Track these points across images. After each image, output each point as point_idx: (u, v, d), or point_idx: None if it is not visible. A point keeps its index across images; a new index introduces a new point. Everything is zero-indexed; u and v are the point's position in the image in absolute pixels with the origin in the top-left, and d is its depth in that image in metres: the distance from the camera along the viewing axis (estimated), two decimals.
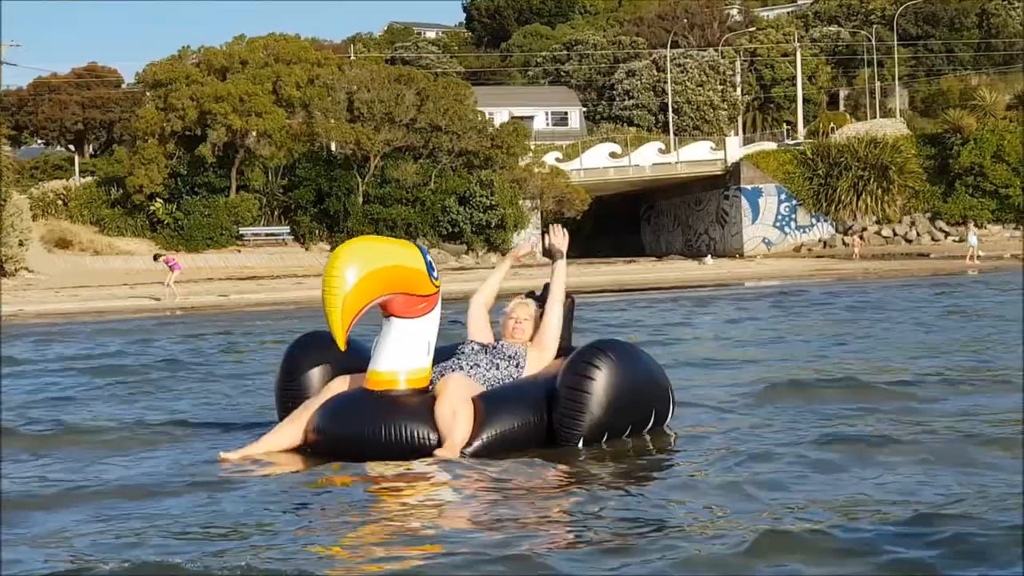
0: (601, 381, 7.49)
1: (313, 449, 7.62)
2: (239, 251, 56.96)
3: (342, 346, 7.22)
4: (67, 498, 6.70)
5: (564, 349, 8.25)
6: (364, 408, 7.44)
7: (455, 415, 7.32)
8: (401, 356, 7.44)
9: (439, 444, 7.32)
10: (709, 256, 61.84)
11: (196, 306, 39.54)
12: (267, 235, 58.41)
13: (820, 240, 66.05)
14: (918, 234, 64.73)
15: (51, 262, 51.57)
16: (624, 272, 54.48)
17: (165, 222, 57.02)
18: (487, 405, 7.53)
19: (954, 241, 62.95)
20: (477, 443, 7.39)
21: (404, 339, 7.42)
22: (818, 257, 61.38)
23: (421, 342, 7.45)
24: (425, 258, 7.42)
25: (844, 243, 63.29)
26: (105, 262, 52.70)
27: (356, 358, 7.84)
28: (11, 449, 8.48)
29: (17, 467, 7.86)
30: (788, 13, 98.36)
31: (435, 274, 7.41)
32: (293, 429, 7.78)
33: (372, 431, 7.36)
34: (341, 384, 7.79)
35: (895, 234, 64.92)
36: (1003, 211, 64.19)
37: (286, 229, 58.69)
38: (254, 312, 33.65)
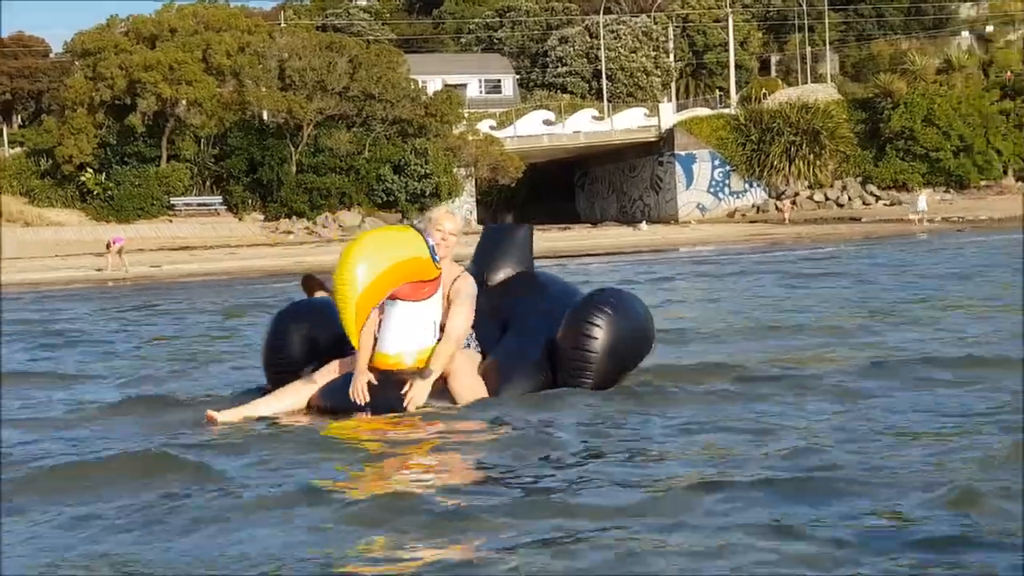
0: (604, 337, 7.80)
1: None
2: (171, 221, 56.44)
3: (356, 345, 7.37)
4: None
5: (525, 275, 8.57)
6: (375, 385, 7.52)
7: (475, 393, 7.58)
8: (409, 338, 7.56)
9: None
10: (644, 222, 62.08)
11: (128, 277, 39.27)
12: (199, 205, 57.90)
13: (753, 205, 66.42)
14: (849, 198, 65.21)
15: None
16: (559, 239, 54.51)
17: (95, 192, 56.40)
18: (500, 373, 7.80)
19: (885, 205, 63.52)
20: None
21: (410, 321, 7.54)
22: (752, 222, 61.76)
23: (427, 322, 7.56)
24: (427, 242, 7.46)
25: (777, 208, 63.67)
26: (36, 233, 52.09)
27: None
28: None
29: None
30: None
31: (436, 257, 7.45)
32: (294, 400, 7.80)
33: (383, 406, 7.49)
34: (339, 367, 7.79)
35: (827, 199, 65.38)
36: (933, 175, 64.77)
37: (218, 199, 58.21)
38: (203, 282, 33.41)
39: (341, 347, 7.78)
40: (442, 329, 7.64)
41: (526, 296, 8.40)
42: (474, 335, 8.00)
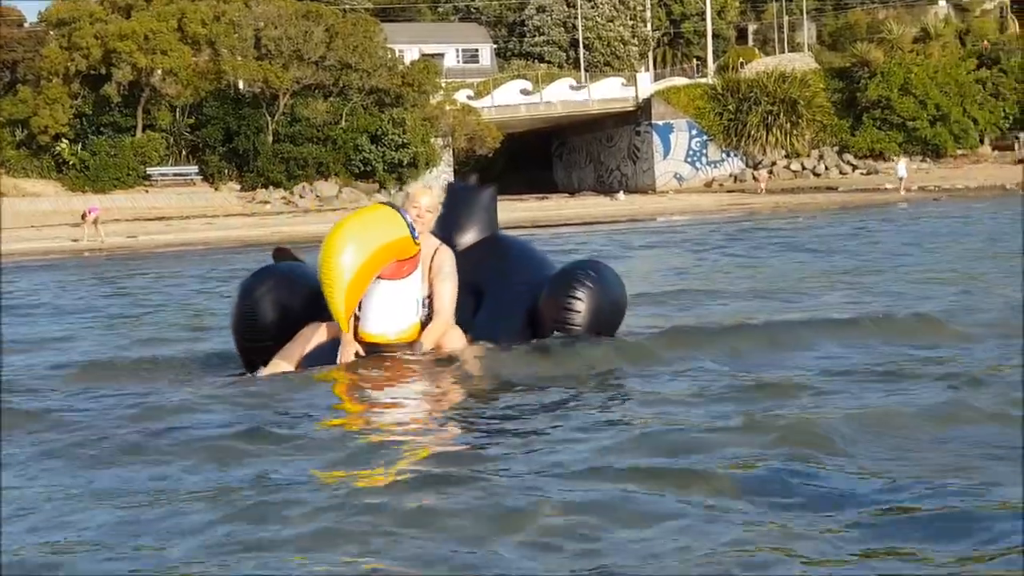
0: (585, 310, 7.90)
1: None
2: (147, 191, 56.24)
3: (346, 330, 7.36)
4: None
5: (492, 238, 8.61)
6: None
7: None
8: (391, 317, 7.53)
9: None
10: (621, 192, 62.12)
11: (104, 247, 39.15)
12: (175, 175, 57.69)
13: (731, 175, 66.45)
14: (826, 168, 65.30)
15: None
16: (537, 209, 54.56)
17: (71, 163, 56.16)
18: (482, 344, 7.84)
19: (862, 174, 63.64)
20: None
21: (391, 300, 7.50)
22: (729, 192, 61.84)
23: (408, 300, 7.54)
24: (406, 219, 7.43)
25: (754, 178, 63.73)
26: (11, 204, 51.81)
27: (315, 288, 7.80)
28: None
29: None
30: None
31: (415, 234, 7.44)
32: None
33: None
34: (318, 333, 7.73)
35: (804, 168, 65.46)
36: (910, 144, 64.88)
37: (194, 169, 58.01)
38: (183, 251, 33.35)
39: (312, 312, 7.74)
40: (424, 305, 7.65)
41: (497, 264, 8.38)
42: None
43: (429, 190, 8.18)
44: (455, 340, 7.65)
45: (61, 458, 5.73)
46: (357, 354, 7.49)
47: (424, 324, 7.62)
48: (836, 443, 5.34)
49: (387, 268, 7.34)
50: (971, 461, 5.05)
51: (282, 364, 7.71)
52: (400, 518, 4.38)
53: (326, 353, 7.61)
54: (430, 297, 7.67)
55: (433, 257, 7.72)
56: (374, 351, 7.52)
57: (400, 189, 58.41)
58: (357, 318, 7.53)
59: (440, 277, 7.69)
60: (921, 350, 8.06)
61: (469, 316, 7.98)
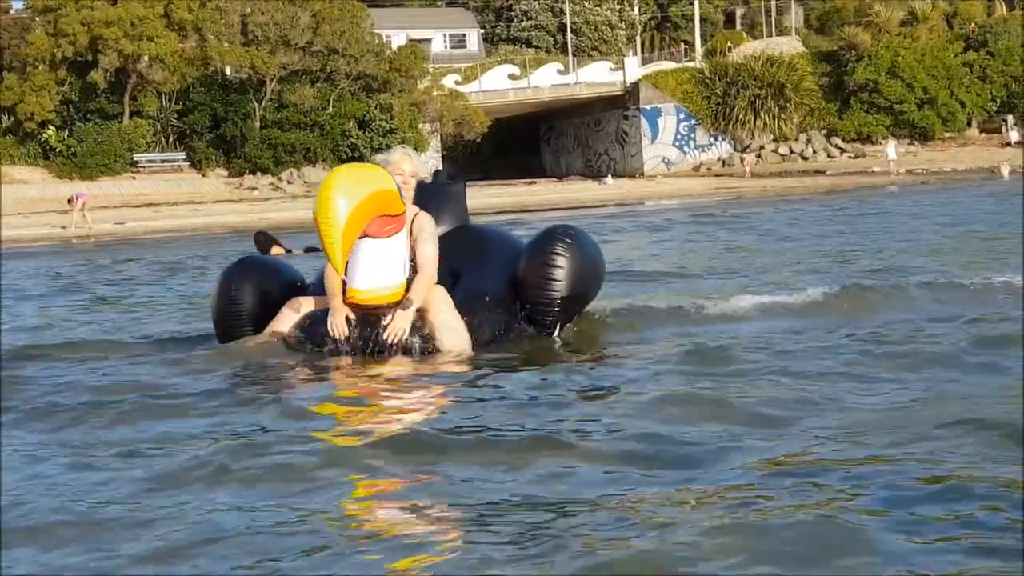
0: (566, 270, 7.98)
1: None
2: (134, 178, 56.13)
3: (341, 274, 7.40)
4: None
5: (463, 227, 8.74)
6: (353, 325, 7.63)
7: (453, 327, 7.61)
8: (379, 274, 7.66)
9: (424, 350, 7.57)
10: (609, 176, 62.11)
11: (92, 234, 39.08)
12: (162, 161, 57.58)
13: (719, 159, 66.48)
14: (814, 151, 65.34)
15: None
16: (525, 193, 54.55)
17: (58, 150, 56.03)
18: (467, 313, 7.85)
19: (850, 157, 63.71)
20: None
21: (379, 257, 7.64)
22: (717, 176, 61.84)
23: (396, 258, 7.68)
24: (394, 179, 7.69)
25: (742, 162, 63.78)
26: None
27: (293, 279, 8.35)
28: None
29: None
30: None
31: (403, 194, 7.68)
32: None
33: (360, 339, 7.57)
34: (304, 303, 7.86)
35: (792, 152, 65.50)
36: (898, 127, 64.95)
37: (182, 155, 57.91)
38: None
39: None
40: (409, 269, 7.76)
41: (472, 247, 8.54)
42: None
43: (409, 156, 8.27)
44: (441, 300, 7.69)
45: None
46: (347, 320, 7.56)
47: (410, 283, 7.69)
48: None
49: (373, 224, 7.46)
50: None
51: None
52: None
53: (313, 325, 7.70)
54: (413, 261, 7.75)
55: (414, 220, 7.82)
56: (363, 316, 7.60)
57: None
58: (345, 283, 7.62)
59: (422, 237, 7.79)
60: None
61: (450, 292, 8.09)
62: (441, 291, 7.76)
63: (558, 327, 8.11)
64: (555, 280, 7.96)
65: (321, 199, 7.27)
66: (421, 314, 7.62)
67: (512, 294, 8.15)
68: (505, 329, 7.99)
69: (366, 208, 7.32)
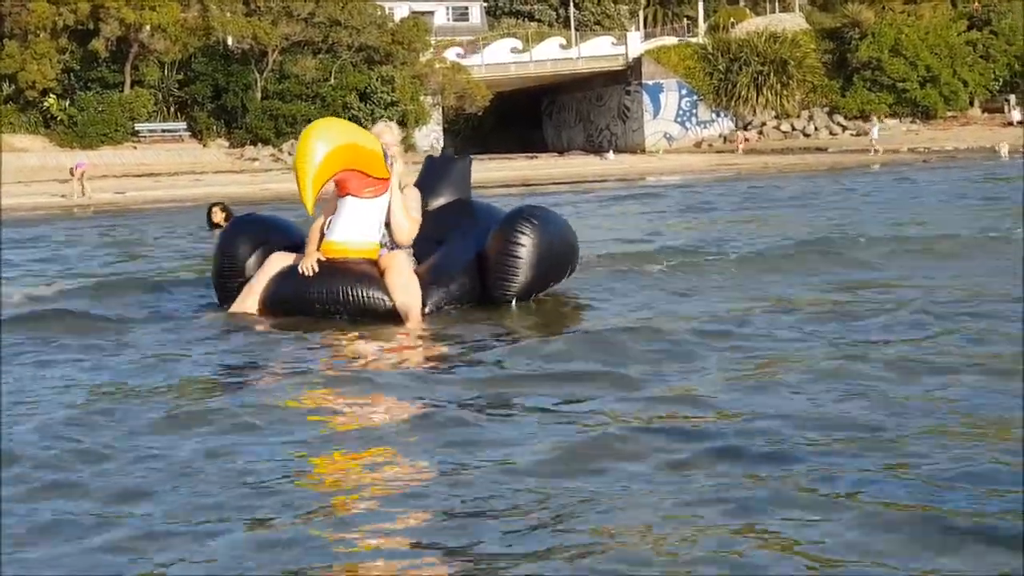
0: (528, 246, 8.46)
1: (271, 312, 8.31)
2: (135, 147, 56.03)
3: (310, 211, 8.02)
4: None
5: (462, 200, 9.39)
6: (320, 272, 8.22)
7: (407, 287, 8.20)
8: (355, 229, 8.36)
9: (387, 307, 8.14)
10: (611, 152, 62.09)
11: (91, 203, 39.08)
12: (163, 131, 57.49)
13: (720, 135, 66.39)
14: (816, 129, 65.25)
15: None
16: (526, 168, 54.52)
17: (59, 118, 55.90)
18: (432, 273, 8.50)
19: (852, 135, 63.61)
20: (428, 306, 8.35)
21: (357, 215, 8.35)
22: (718, 152, 61.77)
23: (373, 220, 8.39)
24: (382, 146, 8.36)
25: (740, 138, 63.70)
26: None
27: (289, 236, 8.96)
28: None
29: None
30: None
31: (389, 162, 8.35)
32: (252, 302, 8.42)
33: (327, 292, 8.18)
34: (283, 258, 8.46)
35: (793, 129, 65.41)
36: (900, 105, 64.86)
37: (183, 125, 57.82)
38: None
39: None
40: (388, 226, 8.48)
41: (459, 217, 9.12)
42: (411, 250, 8.63)
43: (390, 127, 8.96)
44: (402, 263, 8.33)
45: None
46: (319, 262, 8.23)
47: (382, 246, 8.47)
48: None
49: (353, 182, 8.15)
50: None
51: (248, 300, 8.41)
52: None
53: (289, 277, 8.29)
54: (388, 224, 8.47)
55: (403, 190, 8.64)
56: (334, 270, 8.21)
57: None
58: (323, 235, 8.40)
59: (409, 205, 8.63)
60: None
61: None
62: (402, 255, 8.42)
63: (515, 300, 8.53)
64: (516, 257, 8.41)
65: (301, 140, 7.91)
66: (382, 272, 8.25)
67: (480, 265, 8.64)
68: (470, 295, 8.51)
69: (342, 154, 7.90)
